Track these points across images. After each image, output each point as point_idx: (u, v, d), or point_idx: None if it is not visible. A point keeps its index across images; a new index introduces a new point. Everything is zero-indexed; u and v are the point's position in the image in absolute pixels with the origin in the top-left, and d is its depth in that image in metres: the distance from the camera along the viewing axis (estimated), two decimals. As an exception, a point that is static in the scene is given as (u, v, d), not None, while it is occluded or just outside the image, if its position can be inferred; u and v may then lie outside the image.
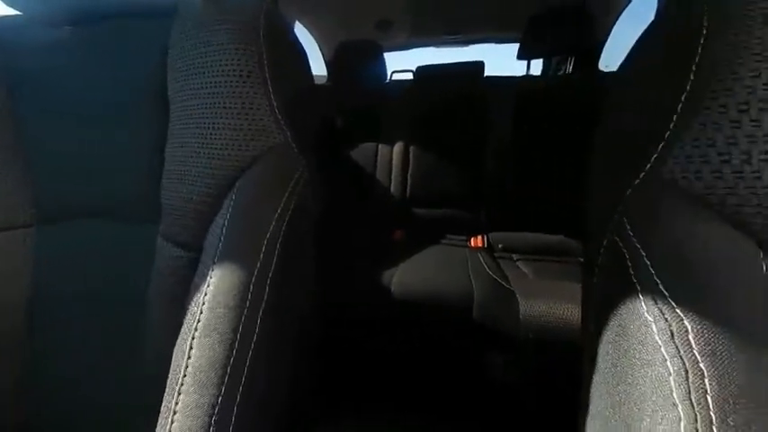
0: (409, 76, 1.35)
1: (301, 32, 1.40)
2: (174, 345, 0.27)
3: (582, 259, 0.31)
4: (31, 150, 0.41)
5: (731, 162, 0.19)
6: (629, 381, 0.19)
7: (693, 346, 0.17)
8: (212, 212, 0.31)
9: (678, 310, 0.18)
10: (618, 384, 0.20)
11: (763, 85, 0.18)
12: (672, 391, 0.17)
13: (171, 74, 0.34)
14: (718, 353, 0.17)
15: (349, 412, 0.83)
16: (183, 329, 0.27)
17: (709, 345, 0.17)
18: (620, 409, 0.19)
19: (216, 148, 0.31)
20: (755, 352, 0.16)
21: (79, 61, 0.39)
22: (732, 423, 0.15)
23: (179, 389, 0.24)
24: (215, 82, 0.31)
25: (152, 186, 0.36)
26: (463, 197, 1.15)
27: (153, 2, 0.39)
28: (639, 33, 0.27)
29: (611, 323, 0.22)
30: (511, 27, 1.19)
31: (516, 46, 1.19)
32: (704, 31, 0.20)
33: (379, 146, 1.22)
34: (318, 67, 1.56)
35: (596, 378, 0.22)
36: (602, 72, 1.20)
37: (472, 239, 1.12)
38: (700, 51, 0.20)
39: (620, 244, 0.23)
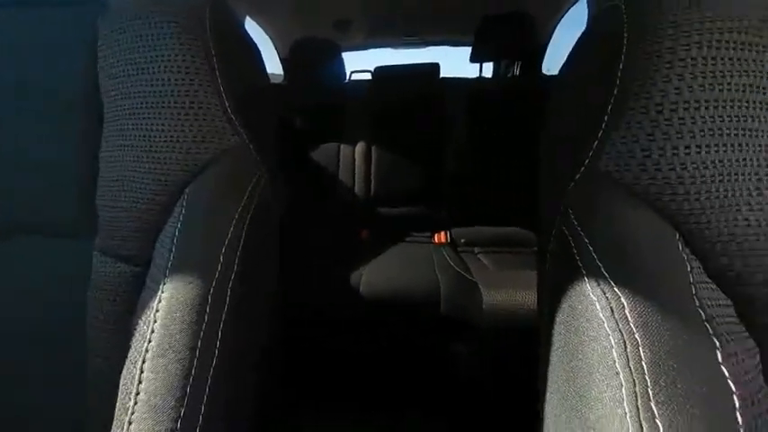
0: (368, 76, 1.36)
1: (252, 28, 1.33)
2: (120, 372, 0.24)
3: (536, 249, 0.34)
4: None
5: (651, 156, 0.22)
6: (580, 356, 0.21)
7: (629, 319, 0.19)
8: (160, 221, 0.29)
9: (616, 289, 0.20)
10: (570, 360, 0.22)
11: (675, 89, 0.21)
12: (614, 360, 0.19)
13: (103, 71, 0.30)
14: (650, 324, 0.19)
15: (310, 411, 0.82)
16: (130, 353, 0.24)
17: (642, 317, 0.19)
18: (573, 383, 0.21)
19: (161, 152, 0.28)
20: (678, 320, 0.19)
21: None
22: (663, 384, 0.17)
23: (129, 418, 0.21)
24: (157, 79, 0.28)
25: (84, 195, 0.32)
26: (425, 195, 1.18)
27: None
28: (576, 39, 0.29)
29: (563, 305, 0.24)
30: (467, 30, 1.24)
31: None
32: (625, 41, 0.22)
33: (341, 146, 1.21)
34: (272, 66, 1.50)
35: (552, 357, 0.24)
36: (546, 76, 1.30)
37: (436, 236, 1.15)
38: (623, 59, 0.22)
39: (567, 233, 0.25)
